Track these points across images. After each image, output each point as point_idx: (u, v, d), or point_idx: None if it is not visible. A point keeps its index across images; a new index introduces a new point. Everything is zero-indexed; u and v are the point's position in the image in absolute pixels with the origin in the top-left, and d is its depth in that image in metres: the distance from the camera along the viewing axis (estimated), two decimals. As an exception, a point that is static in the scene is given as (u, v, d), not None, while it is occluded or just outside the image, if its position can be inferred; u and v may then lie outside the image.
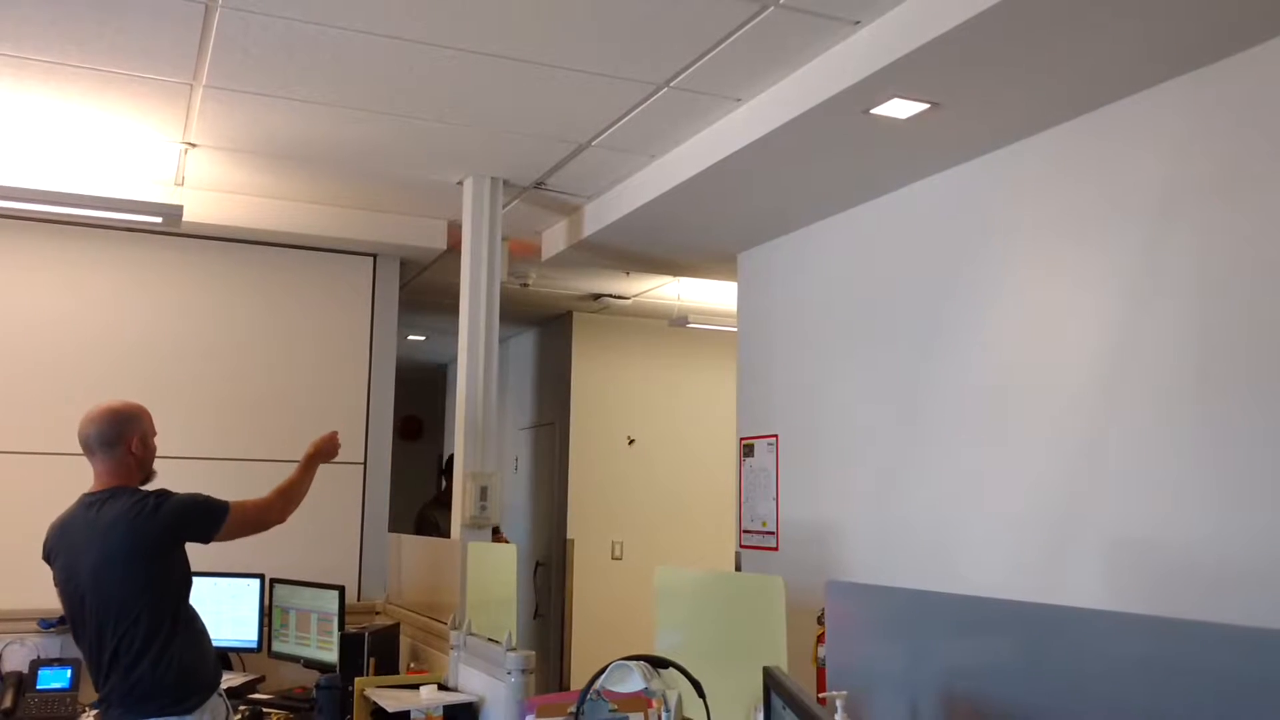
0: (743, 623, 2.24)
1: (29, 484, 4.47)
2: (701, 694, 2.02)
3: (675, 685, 2.04)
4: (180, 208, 4.20)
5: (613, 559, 7.19)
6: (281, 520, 3.31)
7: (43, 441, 4.54)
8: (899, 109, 3.24)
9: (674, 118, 3.78)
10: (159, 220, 4.27)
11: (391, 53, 3.27)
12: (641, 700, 2.25)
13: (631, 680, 1.97)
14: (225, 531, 3.14)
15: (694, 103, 3.63)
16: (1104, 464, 3.12)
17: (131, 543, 2.98)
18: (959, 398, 3.67)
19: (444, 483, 6.80)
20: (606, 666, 2.01)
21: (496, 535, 6.36)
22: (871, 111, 3.27)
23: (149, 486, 3.14)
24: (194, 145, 4.12)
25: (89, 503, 3.07)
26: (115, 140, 4.08)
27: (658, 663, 2.04)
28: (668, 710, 2.06)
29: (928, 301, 3.85)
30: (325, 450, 3.59)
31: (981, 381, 3.59)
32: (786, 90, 3.40)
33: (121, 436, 3.09)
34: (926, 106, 3.22)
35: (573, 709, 2.21)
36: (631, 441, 7.27)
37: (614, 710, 2.22)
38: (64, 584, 3.05)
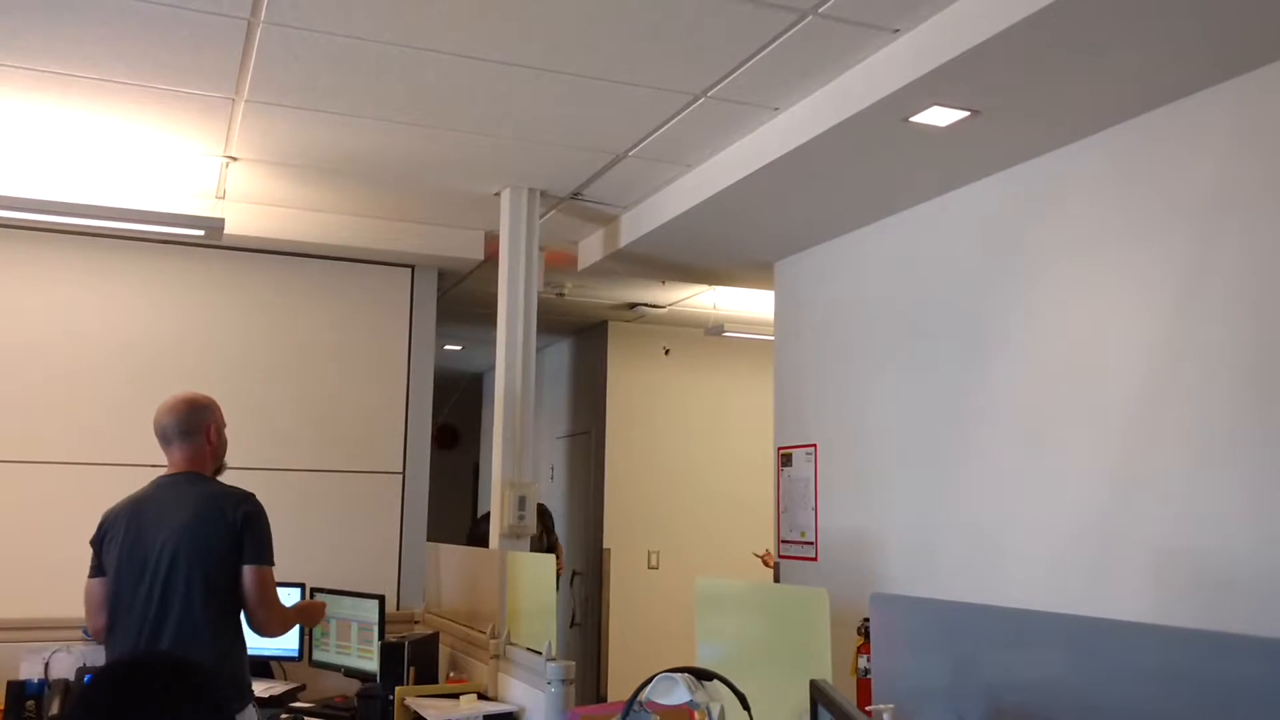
0: (786, 635, 2.23)
1: (74, 494, 4.54)
2: (746, 706, 2.01)
3: (719, 697, 2.03)
4: (222, 221, 4.25)
5: (649, 568, 7.18)
6: (276, 628, 3.22)
7: (88, 452, 4.61)
8: (938, 117, 3.22)
9: (711, 127, 3.78)
10: (201, 233, 4.33)
11: (430, 65, 3.29)
12: (684, 712, 2.24)
13: (677, 692, 1.97)
14: (255, 575, 3.06)
15: (731, 112, 3.63)
16: (1149, 474, 3.08)
17: (219, 519, 3.02)
18: (1000, 407, 3.64)
19: None
20: (652, 678, 2.01)
21: (556, 552, 6.38)
22: (911, 120, 3.25)
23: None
24: (235, 159, 4.18)
25: (166, 483, 3.11)
26: (158, 154, 4.14)
27: (702, 674, 2.03)
28: (711, 722, 2.05)
29: (969, 310, 3.82)
30: (311, 613, 3.63)
31: (1024, 391, 3.55)
32: (825, 99, 3.39)
33: (200, 425, 3.16)
34: (966, 114, 3.20)
35: (615, 720, 2.21)
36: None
37: (656, 722, 2.21)
38: (131, 543, 3.02)
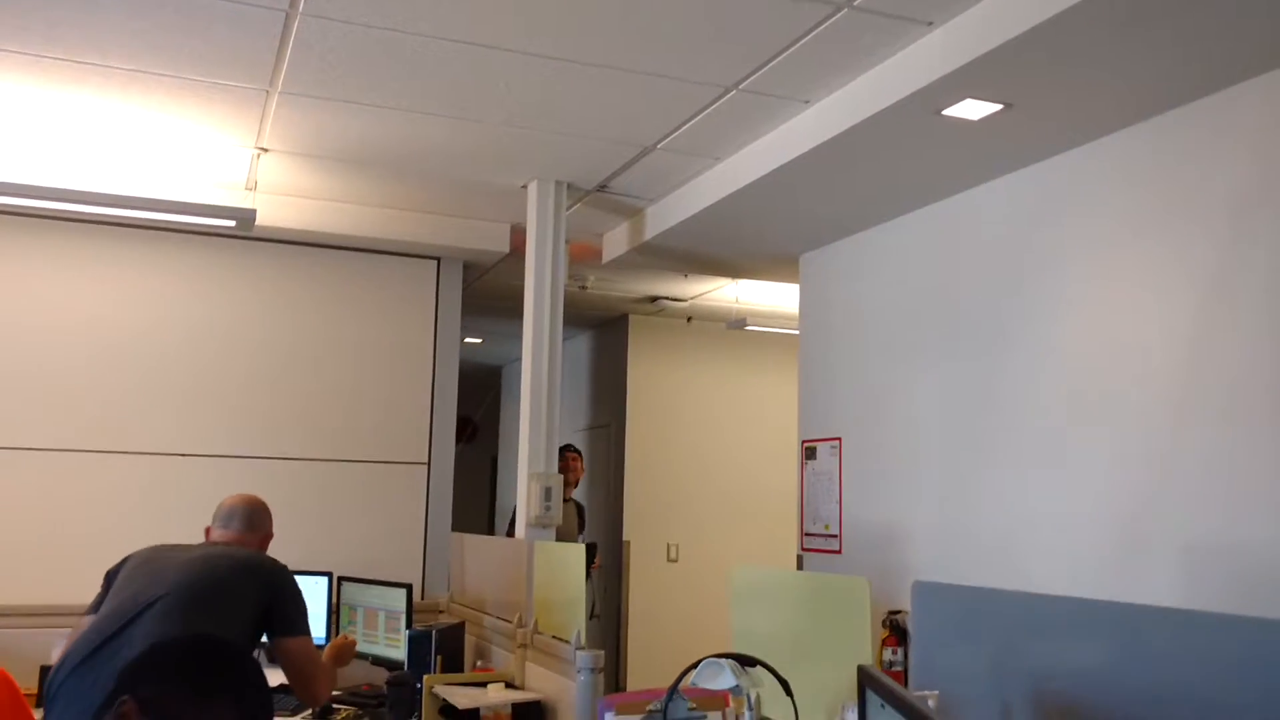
0: (825, 623, 2.24)
1: (106, 482, 4.60)
2: (789, 692, 2.03)
3: (760, 683, 2.05)
4: (253, 212, 4.28)
5: (668, 561, 7.20)
6: (326, 692, 3.17)
7: (120, 440, 4.66)
8: (971, 110, 3.23)
9: (741, 120, 3.79)
10: (233, 224, 4.36)
11: (462, 57, 3.31)
12: (720, 699, 2.26)
13: (723, 678, 1.99)
14: (295, 648, 2.99)
15: (762, 105, 3.64)
16: (1176, 467, 3.08)
17: (246, 564, 2.98)
18: (1027, 400, 3.64)
19: None
20: (698, 663, 2.03)
21: (590, 557, 6.39)
22: (943, 113, 3.26)
23: None
24: (266, 150, 4.21)
25: (202, 544, 3.11)
26: (190, 145, 4.17)
27: (745, 661, 2.05)
28: (750, 709, 2.07)
29: (997, 303, 3.83)
30: (344, 656, 3.58)
31: (1050, 384, 3.56)
32: (857, 91, 3.40)
33: (262, 526, 3.25)
34: (999, 107, 3.20)
35: (652, 706, 2.23)
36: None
37: (693, 708, 2.23)
38: (139, 564, 2.94)
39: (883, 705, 1.41)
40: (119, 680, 1.47)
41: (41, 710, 2.76)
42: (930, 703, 1.63)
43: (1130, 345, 3.27)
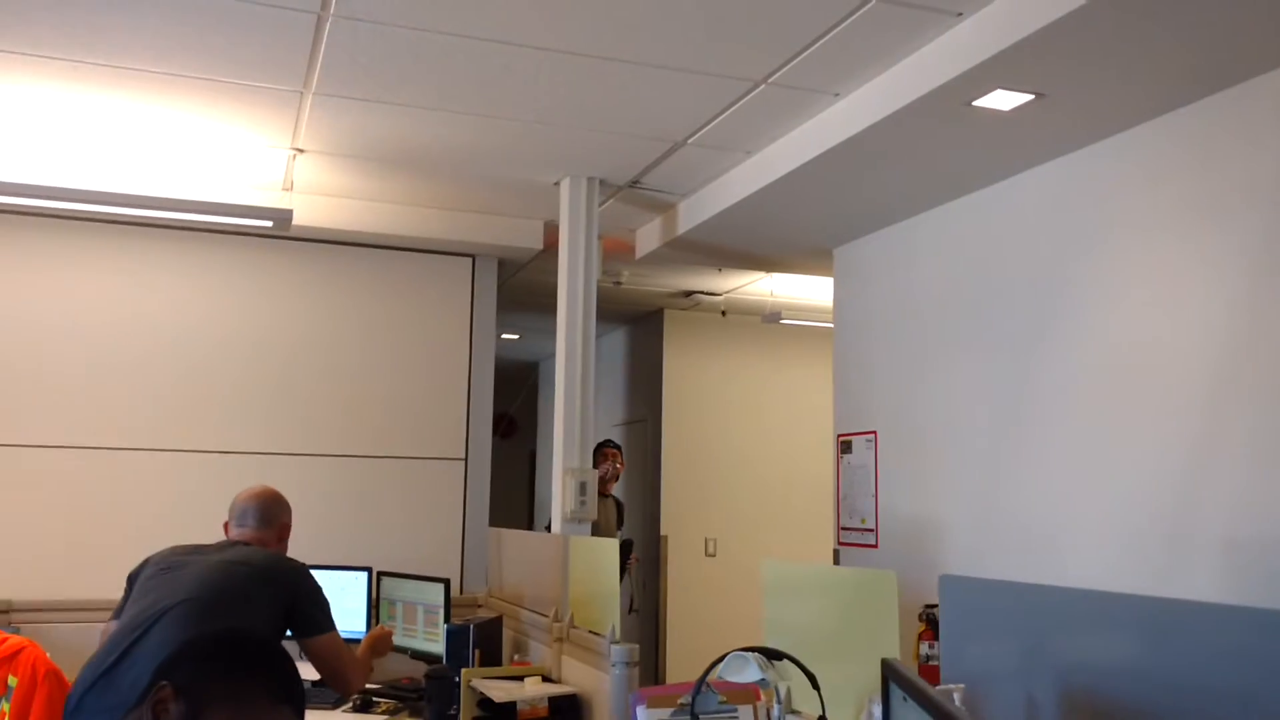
0: (853, 617, 2.25)
1: (151, 479, 4.69)
2: (816, 686, 2.04)
3: (788, 677, 2.06)
4: (290, 212, 4.34)
5: (706, 556, 7.21)
6: (361, 682, 3.23)
7: (154, 439, 4.75)
8: (1002, 100, 3.20)
9: (771, 114, 3.78)
10: (269, 224, 4.42)
11: (493, 56, 3.34)
12: (750, 692, 2.27)
13: (749, 671, 2.00)
14: (321, 646, 3.03)
15: (792, 98, 3.63)
16: (1216, 459, 3.04)
17: (264, 570, 2.97)
18: (1063, 393, 3.61)
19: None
20: (724, 656, 2.04)
21: (627, 553, 6.41)
22: (974, 104, 3.23)
23: None
24: (302, 151, 4.26)
25: (219, 544, 3.09)
26: (228, 147, 4.24)
27: (772, 654, 2.06)
28: (779, 702, 2.08)
29: (1032, 295, 3.79)
30: (379, 648, 3.62)
31: (1087, 377, 3.52)
32: (886, 84, 3.39)
33: (277, 520, 3.22)
34: (1031, 97, 3.17)
35: (683, 700, 2.24)
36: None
37: (723, 701, 2.24)
38: (157, 572, 2.92)
39: (905, 699, 1.41)
40: (155, 674, 1.52)
41: None
42: (956, 696, 1.63)
43: (1169, 337, 3.23)
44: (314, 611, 3.05)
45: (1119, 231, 3.45)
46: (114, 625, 2.94)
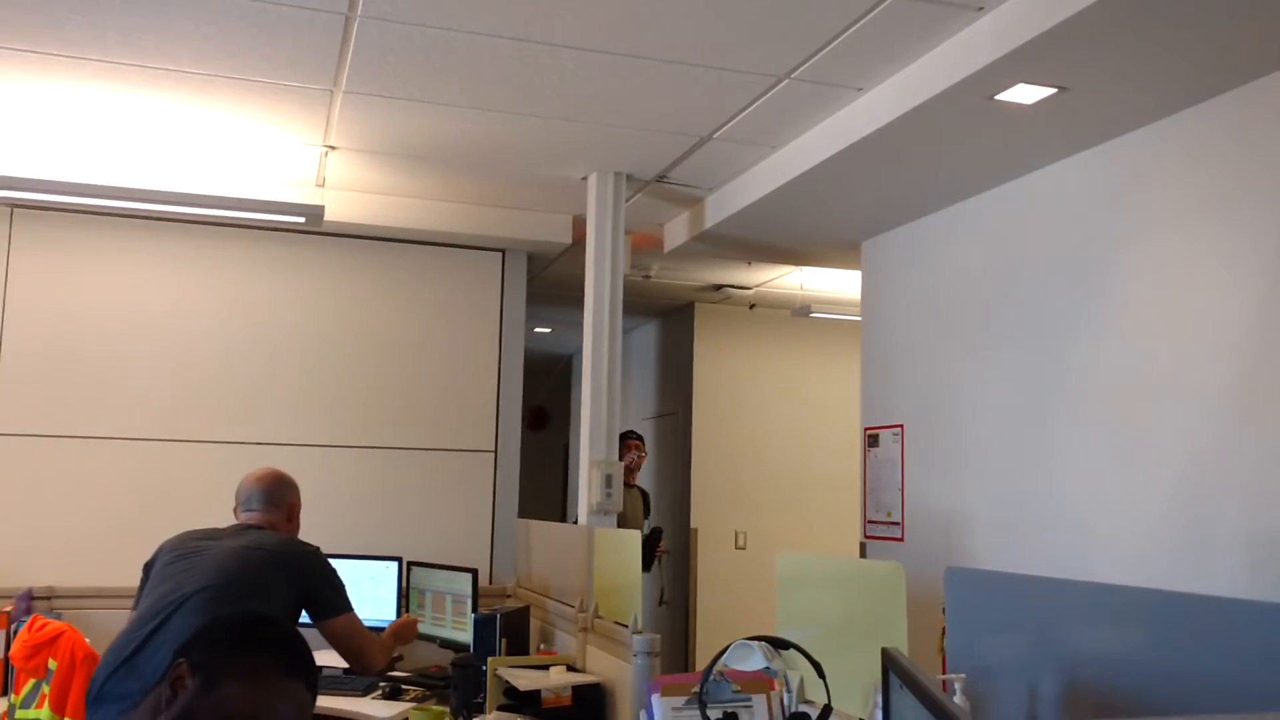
0: (864, 608, 2.27)
1: (186, 470, 4.80)
2: (821, 674, 2.07)
3: (796, 667, 2.09)
4: (322, 208, 4.42)
5: (736, 548, 7.24)
6: (381, 661, 3.30)
7: (197, 430, 4.86)
8: (1024, 94, 3.20)
9: (795, 109, 3.80)
10: (302, 220, 4.51)
11: (520, 54, 3.38)
12: (764, 681, 2.30)
13: (753, 659, 2.03)
14: (338, 628, 3.09)
15: (815, 93, 3.65)
16: (1242, 455, 3.03)
17: (277, 556, 3.02)
18: (1090, 386, 3.60)
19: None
20: (729, 646, 2.07)
21: (656, 540, 6.46)
22: (996, 98, 3.23)
23: None
24: (333, 148, 4.34)
25: (231, 529, 3.14)
26: (261, 145, 4.32)
27: (778, 643, 2.09)
28: (789, 691, 2.11)
29: (1058, 289, 3.78)
30: (404, 634, 3.68)
31: (1113, 370, 3.51)
32: (909, 78, 3.39)
33: (285, 501, 3.25)
34: (1053, 91, 3.17)
35: (697, 688, 2.28)
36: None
37: (737, 690, 2.27)
38: (172, 560, 2.98)
39: (901, 686, 1.44)
40: (174, 656, 1.59)
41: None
42: (957, 685, 1.65)
43: (1196, 331, 3.22)
44: (329, 593, 3.11)
45: (1144, 225, 3.43)
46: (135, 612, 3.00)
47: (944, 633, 3.78)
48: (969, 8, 3.00)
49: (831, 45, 3.26)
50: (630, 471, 6.32)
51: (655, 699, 2.32)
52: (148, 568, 3.10)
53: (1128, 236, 3.49)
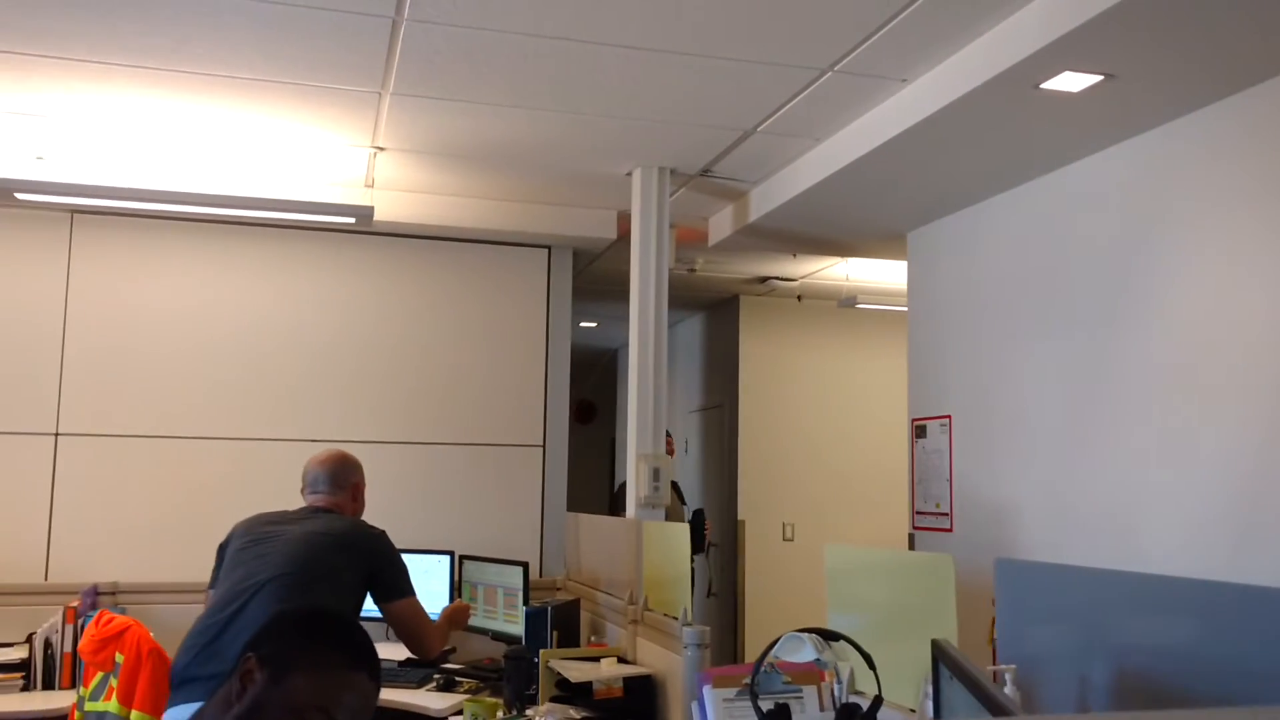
0: (914, 600, 2.28)
1: (235, 467, 4.91)
2: (872, 665, 2.08)
3: (847, 659, 2.10)
4: (371, 208, 4.50)
5: (784, 540, 7.24)
6: (438, 646, 3.40)
7: (249, 429, 4.97)
8: (1070, 82, 3.18)
9: (839, 101, 3.80)
10: (352, 220, 4.58)
11: (563, 53, 3.42)
12: (814, 673, 2.32)
13: (804, 651, 2.05)
14: (400, 610, 3.18)
15: (859, 85, 3.64)
16: (1299, 443, 2.99)
17: (344, 539, 3.13)
18: (1138, 375, 3.57)
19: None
20: (779, 638, 2.10)
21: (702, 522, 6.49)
22: (1042, 86, 3.21)
23: None
24: (382, 149, 4.40)
25: (300, 512, 3.25)
26: (311, 147, 4.40)
27: (828, 635, 2.11)
28: (840, 682, 2.13)
29: (1106, 277, 3.75)
30: (457, 619, 3.78)
31: (1164, 359, 3.48)
32: (953, 68, 3.38)
33: (349, 482, 3.35)
34: (1100, 78, 3.14)
35: (748, 680, 2.30)
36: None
37: (788, 682, 2.30)
38: (245, 545, 3.08)
39: (951, 678, 1.45)
40: (245, 648, 1.65)
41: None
42: (1007, 676, 1.66)
43: (1247, 319, 3.18)
44: (393, 575, 3.20)
45: (1192, 212, 3.39)
46: (212, 594, 3.14)
47: (993, 622, 3.78)
48: (1013, -4, 2.98)
49: (874, 37, 3.26)
50: None
51: (707, 690, 2.35)
52: (222, 549, 3.21)
53: (1177, 224, 3.45)
